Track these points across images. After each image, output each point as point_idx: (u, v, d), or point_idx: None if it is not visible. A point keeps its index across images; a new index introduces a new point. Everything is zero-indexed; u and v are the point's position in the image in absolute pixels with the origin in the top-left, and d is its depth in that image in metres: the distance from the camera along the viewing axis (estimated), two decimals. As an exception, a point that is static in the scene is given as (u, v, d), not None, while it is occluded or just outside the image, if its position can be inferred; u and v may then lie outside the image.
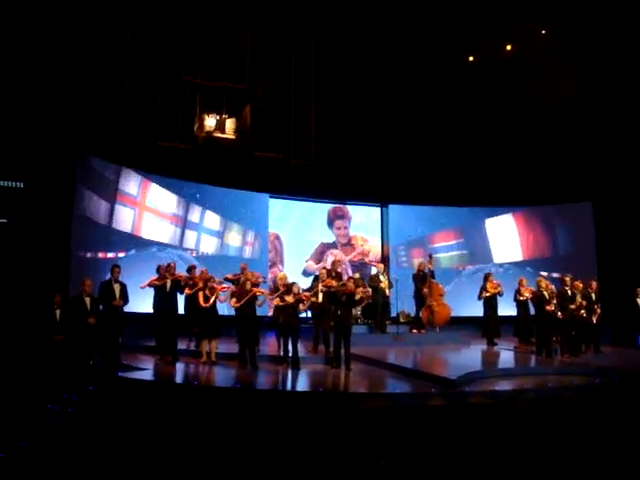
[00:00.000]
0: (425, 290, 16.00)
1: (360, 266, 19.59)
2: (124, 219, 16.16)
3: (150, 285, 12.70)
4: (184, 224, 17.62)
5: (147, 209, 16.75)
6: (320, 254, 19.90)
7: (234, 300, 12.32)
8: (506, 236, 20.81)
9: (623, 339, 16.56)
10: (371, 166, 19.53)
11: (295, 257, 19.83)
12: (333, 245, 20.39)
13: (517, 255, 20.74)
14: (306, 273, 19.54)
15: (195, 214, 17.87)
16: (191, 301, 13.21)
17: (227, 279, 14.21)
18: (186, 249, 17.60)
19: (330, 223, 20.42)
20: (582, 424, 9.18)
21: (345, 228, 20.51)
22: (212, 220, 18.19)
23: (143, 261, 16.19)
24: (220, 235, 18.35)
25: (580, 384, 11.62)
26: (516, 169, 19.82)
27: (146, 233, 16.72)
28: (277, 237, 19.77)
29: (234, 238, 18.54)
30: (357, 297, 12.63)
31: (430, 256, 16.83)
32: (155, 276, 12.96)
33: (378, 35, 17.06)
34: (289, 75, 17.47)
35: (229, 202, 18.53)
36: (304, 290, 13.27)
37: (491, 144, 19.87)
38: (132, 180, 16.45)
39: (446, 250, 20.61)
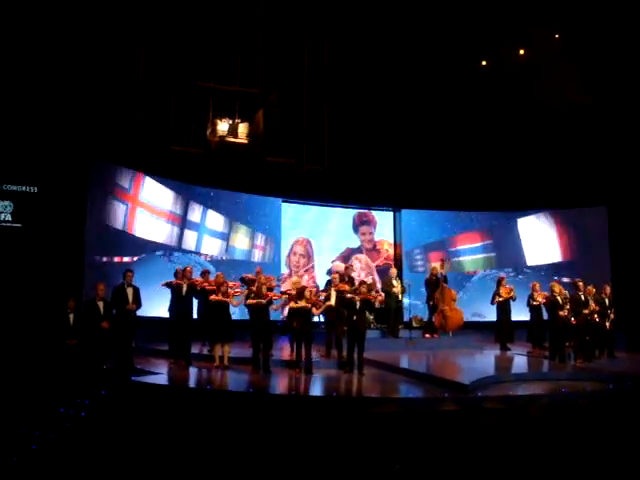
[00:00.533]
0: (437, 295, 15.99)
1: (386, 271, 19.50)
2: (138, 224, 16.18)
3: (168, 285, 12.72)
4: (198, 229, 17.64)
5: (160, 214, 16.75)
6: (345, 258, 19.96)
7: (251, 300, 12.39)
8: (532, 239, 20.83)
9: (638, 345, 16.49)
10: (384, 171, 19.52)
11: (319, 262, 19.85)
12: (358, 250, 20.43)
13: (531, 260, 20.68)
14: (331, 273, 19.62)
15: (210, 219, 17.87)
16: (205, 305, 13.21)
17: (243, 279, 14.17)
18: (200, 254, 17.60)
19: (355, 228, 20.47)
20: (596, 430, 9.14)
21: (370, 234, 20.54)
22: (222, 224, 18.18)
23: (156, 266, 16.25)
24: (227, 238, 18.32)
25: (594, 390, 11.58)
26: (531, 173, 19.76)
27: (160, 237, 16.72)
28: (308, 242, 19.86)
29: (245, 242, 18.54)
30: (375, 303, 12.69)
31: (442, 260, 16.81)
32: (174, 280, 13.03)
33: (391, 40, 17.07)
34: (302, 80, 17.54)
35: (241, 206, 18.52)
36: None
37: (505, 149, 19.81)
38: (145, 185, 16.46)
39: (469, 253, 20.63)
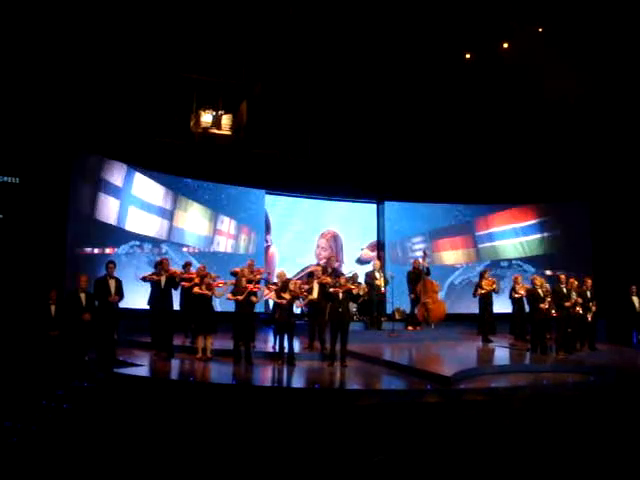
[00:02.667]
0: (419, 287, 16.04)
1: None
2: (120, 215, 16.12)
3: (145, 279, 12.69)
4: (179, 220, 17.59)
5: (141, 205, 16.69)
6: (373, 247, 20.41)
7: (230, 295, 12.39)
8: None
9: (618, 336, 16.64)
10: (367, 163, 19.53)
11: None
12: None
13: (513, 253, 20.82)
14: (361, 261, 19.98)
15: (191, 210, 17.83)
16: (187, 297, 13.19)
17: (233, 273, 14.14)
18: (181, 245, 17.55)
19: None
20: (577, 421, 9.21)
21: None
22: (207, 216, 18.15)
23: (138, 257, 16.22)
24: (214, 231, 18.30)
25: (575, 382, 11.66)
26: (514, 167, 19.86)
27: (141, 229, 16.67)
28: (333, 235, 20.09)
29: (229, 234, 18.51)
30: (356, 292, 12.70)
31: (425, 253, 16.88)
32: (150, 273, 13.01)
33: (376, 31, 17.01)
34: (285, 71, 17.48)
35: (224, 198, 18.49)
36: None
37: (489, 142, 19.89)
38: (128, 176, 16.38)
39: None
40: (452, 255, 20.73)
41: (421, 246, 19.73)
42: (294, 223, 19.85)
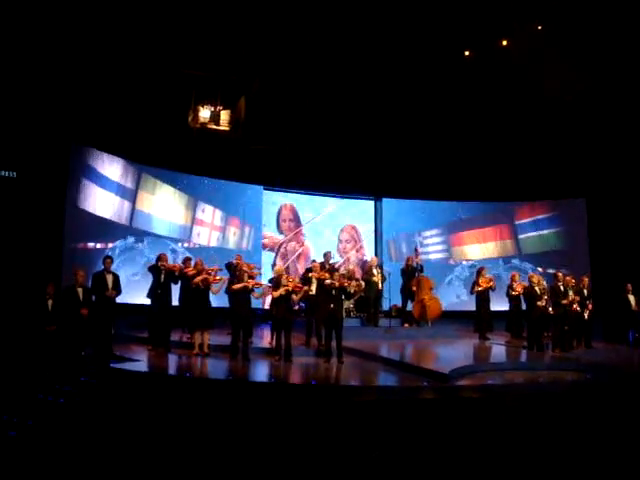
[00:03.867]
0: (414, 284, 16.05)
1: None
2: (118, 210, 16.10)
3: (151, 269, 12.77)
4: (179, 216, 17.58)
5: (140, 200, 16.67)
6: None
7: (236, 285, 12.38)
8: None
9: (614, 335, 16.66)
10: (366, 159, 19.53)
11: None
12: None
13: (510, 250, 20.86)
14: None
15: (190, 207, 17.80)
16: (185, 293, 13.19)
17: (228, 266, 14.12)
18: (178, 240, 17.52)
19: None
20: (573, 419, 9.22)
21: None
22: (207, 212, 18.12)
23: (136, 252, 16.21)
24: (213, 227, 18.28)
25: (571, 379, 11.66)
26: (511, 165, 19.88)
27: (139, 224, 16.65)
28: (354, 227, 20.39)
29: (228, 230, 18.50)
30: (350, 290, 12.70)
31: (417, 250, 16.90)
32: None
33: (375, 28, 16.98)
34: (283, 67, 17.47)
35: (222, 193, 18.47)
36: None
37: (486, 140, 19.90)
38: (125, 170, 16.36)
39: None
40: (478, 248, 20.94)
41: (436, 240, 19.82)
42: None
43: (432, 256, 20.37)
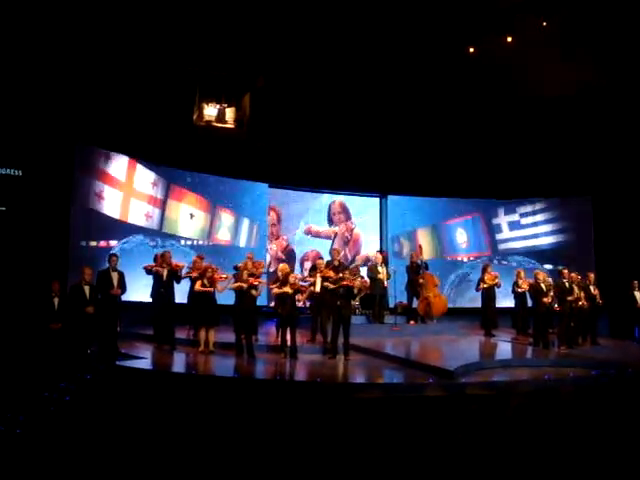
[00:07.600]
0: (420, 281, 16.03)
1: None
2: (123, 208, 16.10)
3: (147, 271, 12.75)
4: (182, 213, 17.57)
5: (144, 197, 16.66)
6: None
7: (232, 284, 12.47)
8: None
9: (620, 331, 16.66)
10: (371, 156, 19.49)
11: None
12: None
13: (517, 247, 20.84)
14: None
15: (194, 203, 17.79)
16: (192, 290, 13.19)
17: (236, 268, 14.13)
18: (182, 238, 17.50)
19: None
20: (579, 416, 9.21)
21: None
22: (210, 210, 18.12)
23: (141, 250, 16.20)
24: (217, 225, 18.26)
25: (577, 376, 11.64)
26: (517, 162, 19.82)
27: (144, 222, 16.63)
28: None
29: (230, 227, 18.49)
30: (355, 290, 12.70)
31: (420, 247, 16.90)
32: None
33: (379, 24, 16.94)
34: (288, 64, 17.43)
35: (226, 191, 18.44)
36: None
37: (492, 137, 19.83)
38: (130, 169, 16.34)
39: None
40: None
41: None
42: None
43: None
